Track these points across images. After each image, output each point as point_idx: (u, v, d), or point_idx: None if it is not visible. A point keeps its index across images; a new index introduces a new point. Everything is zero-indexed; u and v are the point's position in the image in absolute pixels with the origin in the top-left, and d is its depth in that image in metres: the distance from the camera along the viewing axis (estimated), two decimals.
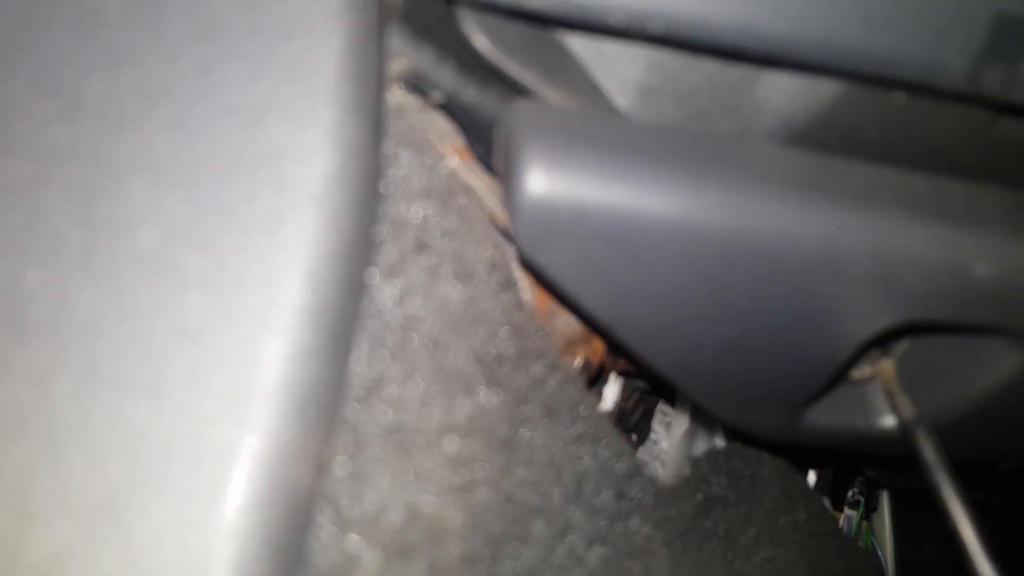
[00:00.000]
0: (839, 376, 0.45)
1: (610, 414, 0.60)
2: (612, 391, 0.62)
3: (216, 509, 0.24)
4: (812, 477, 0.87)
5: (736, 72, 0.39)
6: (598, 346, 0.54)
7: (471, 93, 0.38)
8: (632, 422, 0.68)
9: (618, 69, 0.39)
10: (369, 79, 0.30)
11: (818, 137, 0.39)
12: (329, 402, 0.27)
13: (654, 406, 0.72)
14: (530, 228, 0.36)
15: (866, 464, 0.77)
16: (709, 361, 0.44)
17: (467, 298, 0.37)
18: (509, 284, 0.40)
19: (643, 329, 0.41)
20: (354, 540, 0.28)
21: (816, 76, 0.37)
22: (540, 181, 0.35)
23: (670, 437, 0.72)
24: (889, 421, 0.48)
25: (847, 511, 0.93)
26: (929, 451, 0.41)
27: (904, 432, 0.43)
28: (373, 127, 0.30)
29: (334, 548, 0.27)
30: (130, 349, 0.24)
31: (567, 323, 0.51)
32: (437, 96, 0.38)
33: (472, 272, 0.37)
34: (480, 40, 0.36)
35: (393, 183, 0.34)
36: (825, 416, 0.48)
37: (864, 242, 0.38)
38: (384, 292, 0.32)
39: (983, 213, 0.38)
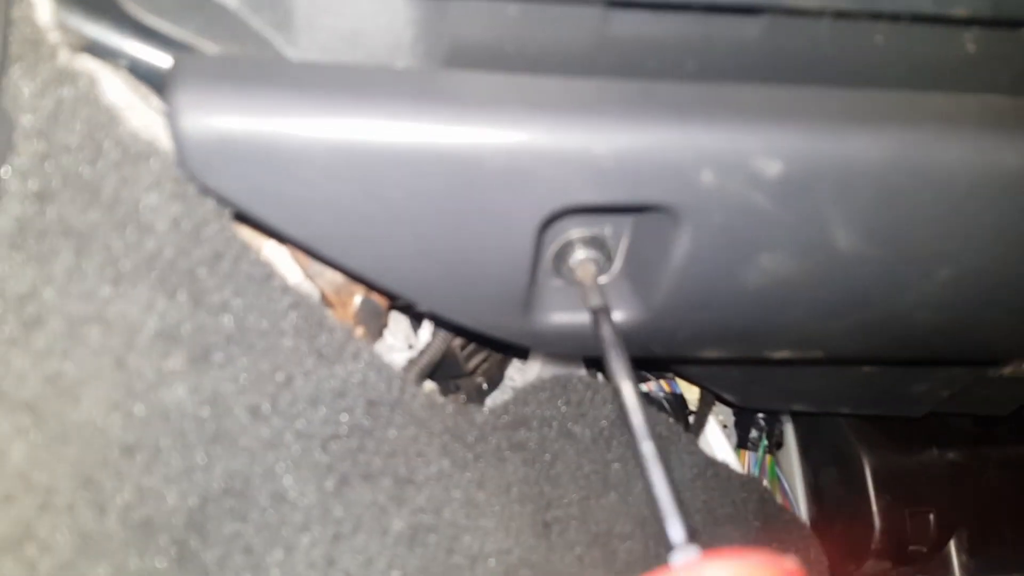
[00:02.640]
0: (536, 266, 0.49)
1: (423, 354, 0.64)
2: (426, 332, 0.66)
3: None
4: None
5: None
6: None
7: (148, 54, 0.44)
8: (472, 367, 0.72)
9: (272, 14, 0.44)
10: None
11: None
12: None
13: (508, 355, 0.76)
14: (193, 161, 0.41)
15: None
16: (423, 269, 0.48)
17: None
18: None
19: (335, 243, 0.46)
20: None
21: None
22: (190, 118, 0.41)
23: (525, 381, 0.76)
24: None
25: (749, 452, 0.95)
26: (605, 331, 0.45)
27: (592, 317, 0.46)
28: None
29: None
30: None
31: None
32: (122, 62, 0.44)
33: None
34: (130, 6, 0.42)
35: None
36: (560, 316, 0.52)
37: (494, 141, 0.42)
38: None
39: (597, 101, 0.43)
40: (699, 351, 0.59)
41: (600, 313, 0.47)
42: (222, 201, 0.44)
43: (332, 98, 0.42)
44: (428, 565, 0.50)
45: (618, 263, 0.52)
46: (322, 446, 0.47)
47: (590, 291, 0.49)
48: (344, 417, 0.49)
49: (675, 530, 0.37)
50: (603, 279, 0.53)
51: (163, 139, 0.46)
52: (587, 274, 0.50)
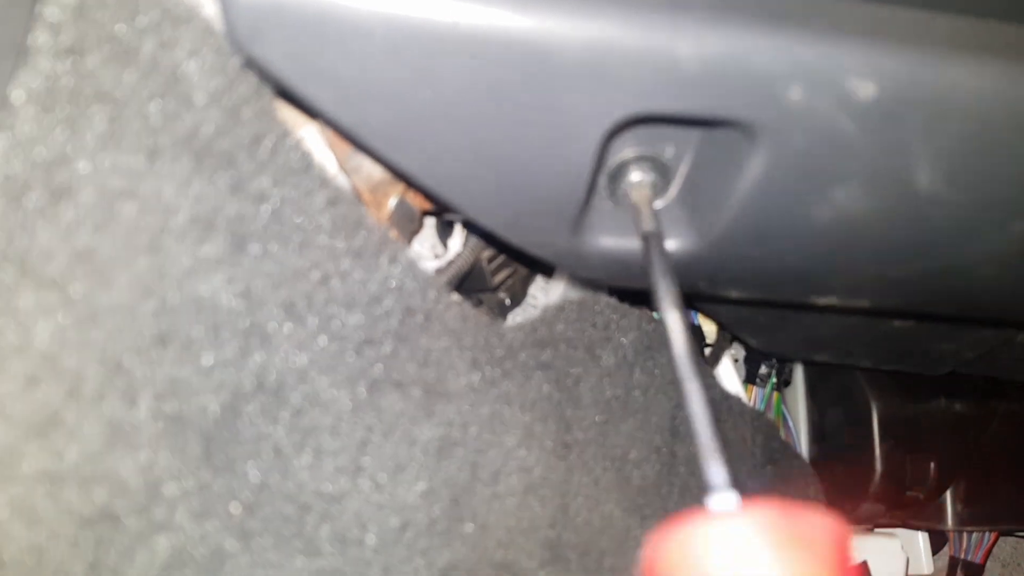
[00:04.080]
0: (594, 182, 0.46)
1: (451, 264, 0.61)
2: (457, 241, 0.63)
3: None
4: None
5: None
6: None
7: None
8: (497, 282, 0.69)
9: None
10: None
11: None
12: None
13: (532, 272, 0.74)
14: (239, 27, 0.37)
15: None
16: (473, 172, 0.45)
17: None
18: None
19: (383, 133, 0.43)
20: None
21: None
22: None
23: (548, 301, 0.74)
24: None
25: (757, 388, 0.94)
26: (655, 259, 0.42)
27: (643, 243, 0.44)
28: None
29: None
30: None
31: (373, 162, 0.53)
32: None
33: None
34: None
35: None
36: (606, 240, 0.50)
37: (570, 33, 0.38)
38: None
39: None
40: (745, 291, 0.57)
41: (652, 238, 0.44)
42: (267, 75, 0.40)
43: None
44: (453, 477, 0.48)
45: (675, 187, 0.49)
46: (356, 350, 0.45)
47: (644, 215, 0.46)
48: (379, 322, 0.46)
49: (716, 473, 0.35)
50: (658, 204, 0.50)
51: (204, 4, 0.41)
52: (642, 197, 0.47)
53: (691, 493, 0.68)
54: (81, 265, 0.33)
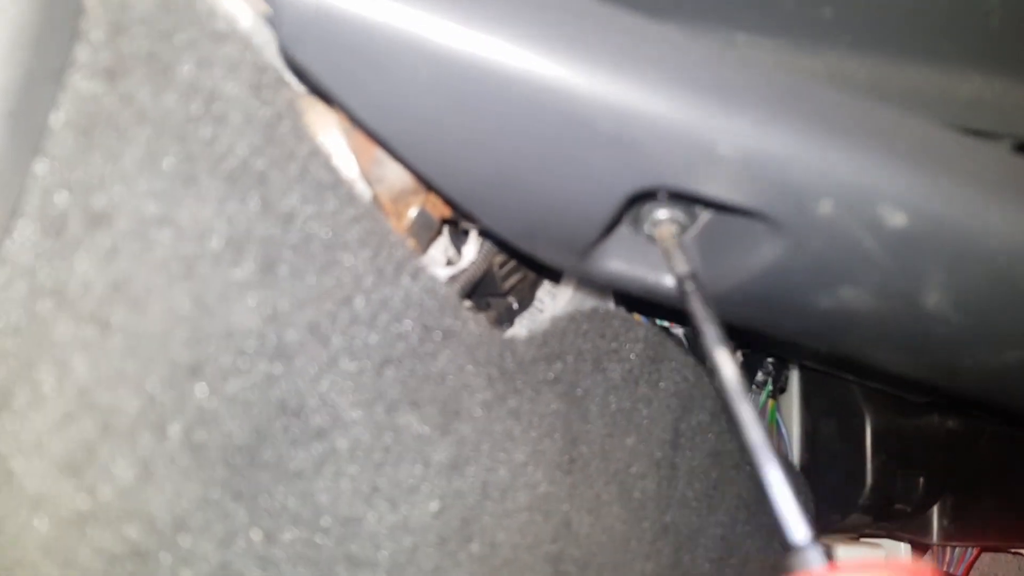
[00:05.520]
0: (613, 224, 0.46)
1: (465, 272, 0.61)
2: (471, 249, 0.63)
3: None
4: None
5: None
6: (435, 198, 0.55)
7: None
8: (507, 287, 0.69)
9: None
10: None
11: None
12: None
13: (540, 277, 0.74)
14: (287, 30, 0.36)
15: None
16: (496, 192, 0.45)
17: None
18: None
19: (413, 146, 0.42)
20: None
21: None
22: None
23: (555, 306, 0.74)
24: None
25: (752, 394, 0.95)
26: (696, 302, 0.42)
27: (679, 285, 0.44)
28: None
29: None
30: None
31: (396, 172, 0.52)
32: None
33: None
34: None
35: None
36: (617, 264, 0.50)
37: (606, 100, 0.38)
38: None
39: (738, 87, 0.38)
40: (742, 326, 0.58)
41: (688, 281, 0.44)
42: (306, 78, 0.39)
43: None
44: (464, 496, 0.49)
45: (696, 229, 0.49)
46: (376, 370, 0.45)
47: (674, 254, 0.46)
48: (398, 341, 0.46)
49: (800, 530, 0.35)
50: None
51: (241, 19, 0.41)
52: (668, 235, 0.47)
53: (689, 506, 0.69)
54: (118, 295, 0.33)
